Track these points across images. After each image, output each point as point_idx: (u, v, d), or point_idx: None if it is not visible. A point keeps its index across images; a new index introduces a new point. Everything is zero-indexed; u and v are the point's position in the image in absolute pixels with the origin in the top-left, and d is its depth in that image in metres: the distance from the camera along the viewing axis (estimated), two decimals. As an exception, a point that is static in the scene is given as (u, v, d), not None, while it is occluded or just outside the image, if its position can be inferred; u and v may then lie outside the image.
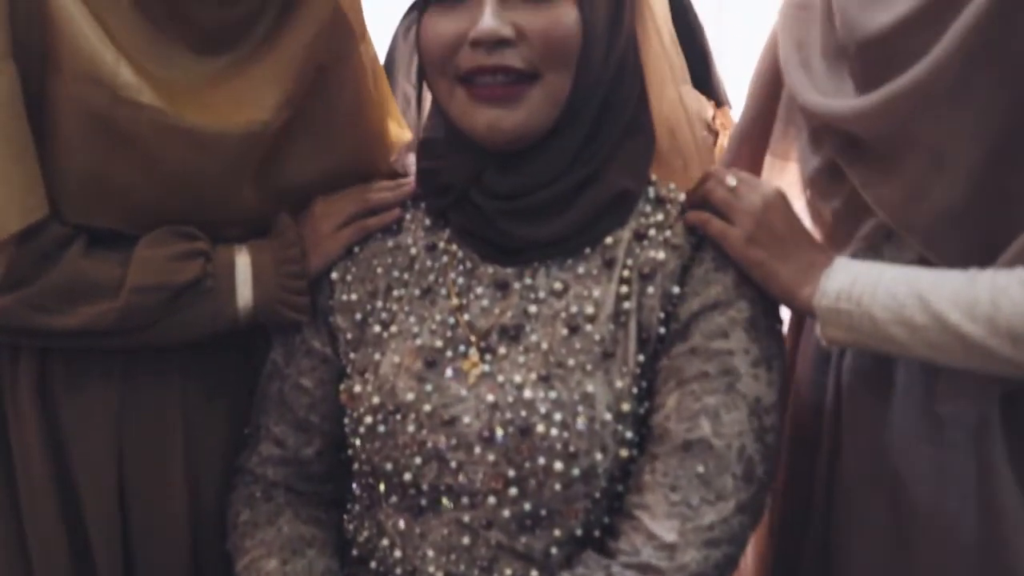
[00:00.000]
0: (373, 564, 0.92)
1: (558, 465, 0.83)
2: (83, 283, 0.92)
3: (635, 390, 0.86)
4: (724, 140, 1.49)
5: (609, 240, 0.89)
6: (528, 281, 0.89)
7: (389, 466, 0.88)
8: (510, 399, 0.84)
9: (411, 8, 1.21)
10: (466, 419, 0.85)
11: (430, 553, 0.87)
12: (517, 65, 0.85)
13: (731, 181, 0.90)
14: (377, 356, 0.91)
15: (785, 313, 0.93)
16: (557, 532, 0.85)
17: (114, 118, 0.88)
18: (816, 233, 0.94)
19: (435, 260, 0.94)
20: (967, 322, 0.77)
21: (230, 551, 0.99)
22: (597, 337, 0.86)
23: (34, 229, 0.87)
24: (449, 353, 0.89)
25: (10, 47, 0.85)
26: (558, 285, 0.88)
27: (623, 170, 0.90)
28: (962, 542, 0.84)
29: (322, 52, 0.95)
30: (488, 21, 0.83)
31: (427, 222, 0.96)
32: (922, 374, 0.86)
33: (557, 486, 0.84)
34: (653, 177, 0.94)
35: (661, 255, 0.88)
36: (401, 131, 1.06)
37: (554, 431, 0.83)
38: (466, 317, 0.89)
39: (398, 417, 0.87)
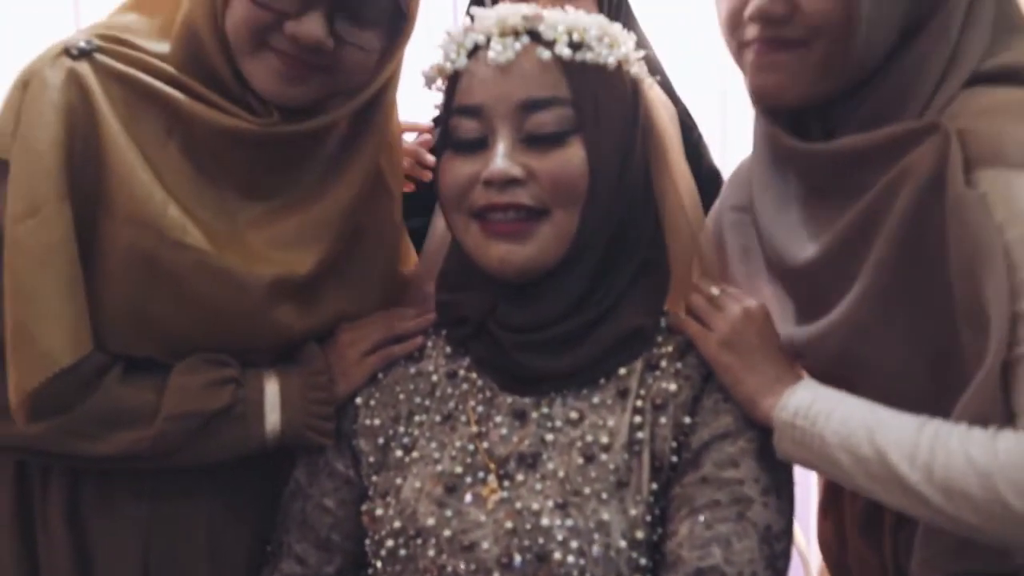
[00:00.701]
0: None
1: None
2: (120, 410, 0.97)
3: (648, 518, 0.90)
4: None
5: (623, 371, 0.94)
6: (545, 410, 0.94)
7: None
8: (528, 526, 0.88)
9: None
10: (485, 545, 0.89)
11: None
12: (527, 202, 0.92)
13: (713, 291, 0.97)
14: (399, 480, 0.95)
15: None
16: None
17: (159, 257, 0.95)
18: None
19: (456, 387, 0.99)
20: (906, 466, 0.81)
21: None
22: (612, 466, 0.90)
23: (78, 360, 0.93)
24: (469, 479, 0.93)
25: (67, 189, 0.92)
26: (574, 414, 0.93)
27: (637, 309, 0.96)
28: None
29: (361, 212, 1.03)
30: (499, 163, 0.91)
31: (448, 350, 1.01)
32: None
33: None
34: (665, 307, 0.99)
35: (673, 386, 0.93)
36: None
37: (571, 558, 0.87)
38: (485, 444, 0.94)
39: (419, 541, 0.91)
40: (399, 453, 0.98)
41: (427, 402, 1.00)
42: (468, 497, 0.91)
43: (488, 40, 0.96)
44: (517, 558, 0.87)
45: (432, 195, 1.07)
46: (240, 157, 1.00)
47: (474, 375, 0.98)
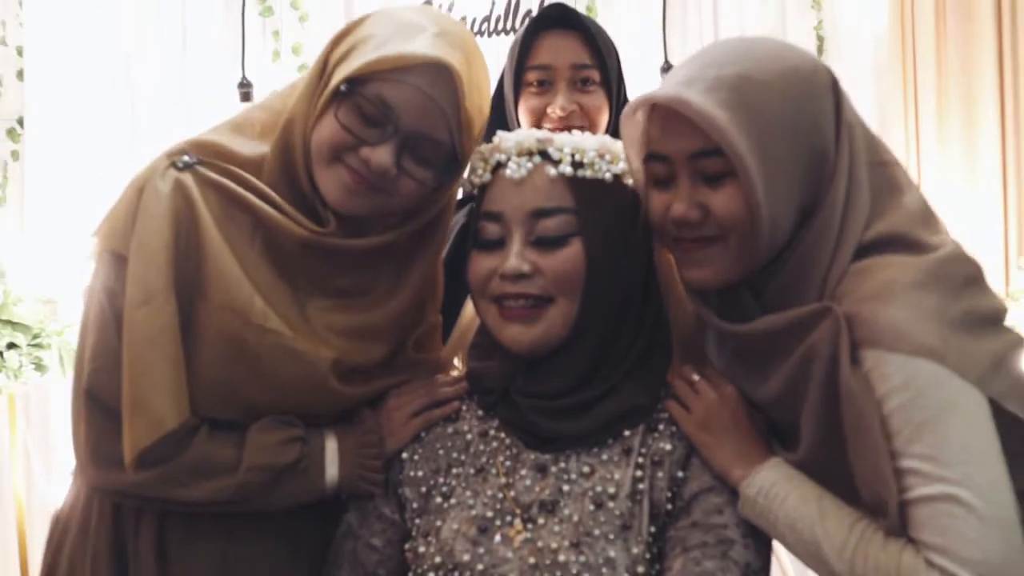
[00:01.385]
0: None
1: None
2: (207, 463, 1.11)
3: (648, 555, 1.05)
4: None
5: (627, 433, 1.10)
6: (562, 465, 1.10)
7: None
8: (547, 561, 1.03)
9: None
10: None
11: None
12: (534, 292, 1.10)
13: (694, 377, 1.12)
14: (438, 523, 1.10)
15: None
16: None
17: (245, 338, 1.10)
18: None
19: (487, 444, 1.14)
20: (835, 557, 0.99)
21: None
22: (617, 512, 1.06)
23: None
24: (498, 522, 1.08)
25: (173, 282, 1.08)
26: (586, 468, 1.09)
27: (639, 387, 1.12)
28: None
29: (413, 314, 1.21)
30: (512, 261, 1.10)
31: (479, 412, 1.17)
32: None
33: None
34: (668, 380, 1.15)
35: (668, 446, 1.09)
36: None
37: None
38: (512, 493, 1.09)
39: (455, 573, 1.06)
40: (439, 500, 1.12)
41: (462, 457, 1.14)
42: (498, 537, 1.06)
43: (508, 159, 1.14)
44: None
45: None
46: (308, 258, 1.16)
47: (502, 434, 1.13)
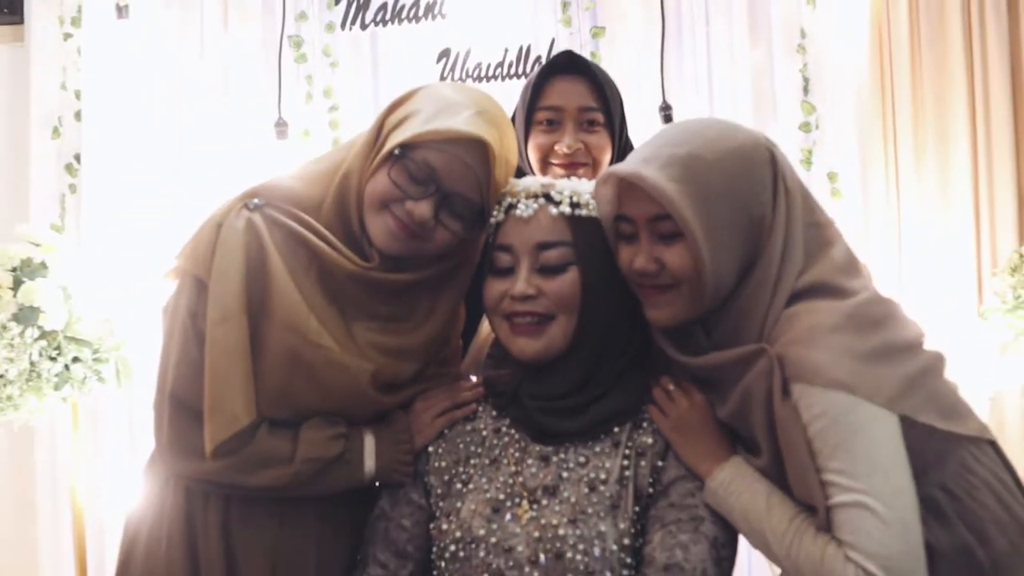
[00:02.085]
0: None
1: None
2: (268, 455, 1.27)
3: (632, 530, 1.21)
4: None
5: (616, 429, 1.27)
6: (562, 456, 1.27)
7: None
8: (549, 535, 1.20)
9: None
10: (519, 548, 1.20)
11: None
12: (539, 310, 1.26)
13: (670, 387, 1.27)
14: (459, 504, 1.28)
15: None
16: None
17: (300, 352, 1.25)
18: None
19: (499, 439, 1.32)
20: (777, 544, 1.16)
21: None
22: (608, 494, 1.22)
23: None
24: (509, 503, 1.25)
25: (246, 305, 1.23)
26: (582, 459, 1.26)
27: (626, 393, 1.28)
28: None
29: (441, 338, 1.37)
30: (520, 285, 1.26)
31: (493, 413, 1.35)
32: None
33: None
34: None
35: (650, 440, 1.26)
36: None
37: (579, 556, 1.18)
38: (520, 479, 1.27)
39: (472, 546, 1.23)
40: (459, 485, 1.30)
41: (479, 450, 1.32)
42: (508, 516, 1.24)
43: (518, 201, 1.30)
44: (542, 557, 1.19)
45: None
46: (354, 288, 1.31)
47: (512, 431, 1.31)
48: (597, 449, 1.28)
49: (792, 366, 1.16)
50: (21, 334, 2.05)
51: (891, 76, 2.64)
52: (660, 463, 1.26)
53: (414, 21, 2.77)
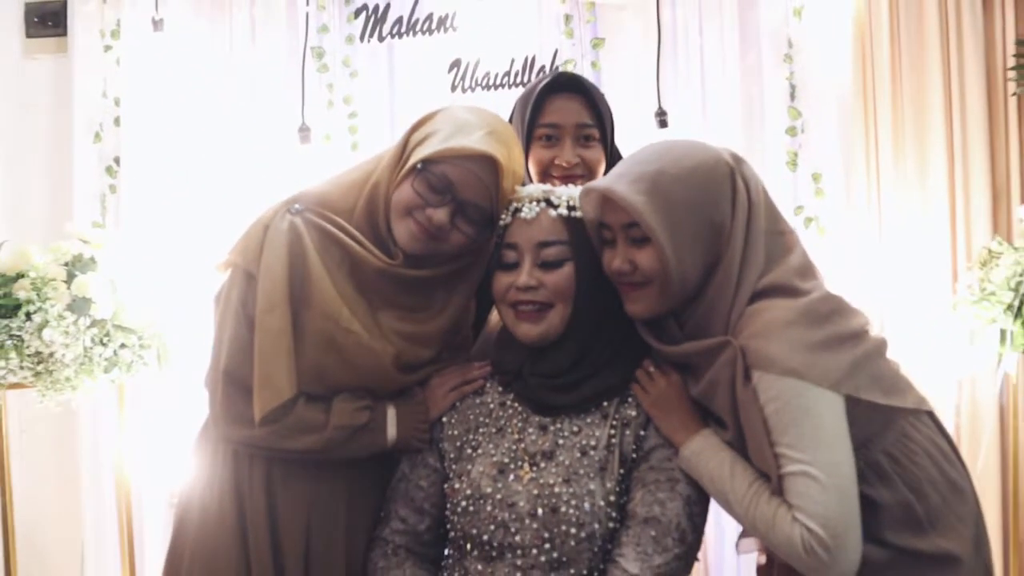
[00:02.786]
0: (460, 596, 1.38)
1: (573, 531, 1.31)
2: (304, 423, 1.39)
3: (618, 489, 1.34)
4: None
5: (605, 403, 1.39)
6: (558, 426, 1.39)
7: (474, 531, 1.35)
8: (547, 492, 1.33)
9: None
10: (521, 503, 1.33)
11: None
12: (539, 299, 1.38)
13: (651, 369, 1.39)
14: (469, 467, 1.40)
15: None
16: (572, 571, 1.31)
17: (333, 337, 1.38)
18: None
19: (504, 411, 1.44)
20: (738, 505, 1.29)
21: None
22: (597, 458, 1.35)
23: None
24: (512, 466, 1.37)
25: (288, 295, 1.36)
26: (575, 428, 1.38)
27: (613, 372, 1.40)
28: None
29: (456, 325, 1.50)
30: (523, 278, 1.39)
31: (499, 388, 1.46)
32: None
33: (573, 543, 1.31)
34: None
35: (634, 413, 1.38)
36: None
37: (572, 511, 1.31)
38: (522, 445, 1.39)
39: (481, 502, 1.36)
40: (469, 451, 1.42)
41: (487, 420, 1.43)
42: (512, 476, 1.36)
43: (522, 205, 1.42)
44: (540, 511, 1.32)
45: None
46: (381, 282, 1.43)
47: (516, 404, 1.42)
48: (588, 420, 1.40)
49: (752, 356, 1.27)
50: (75, 322, 2.19)
51: (872, 83, 2.70)
52: (642, 433, 1.38)
53: (428, 34, 2.84)
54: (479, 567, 1.37)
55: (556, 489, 1.34)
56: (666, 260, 1.31)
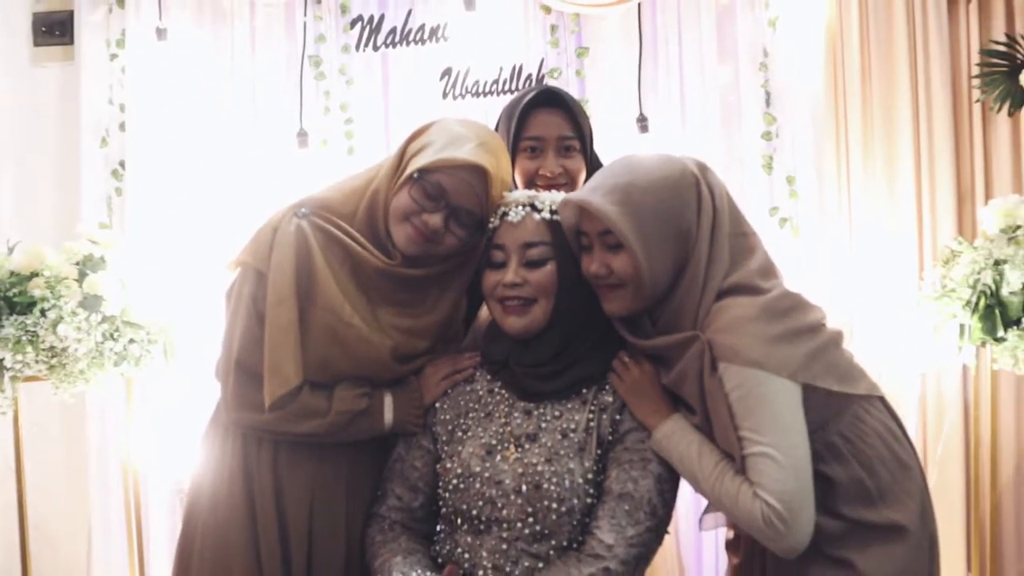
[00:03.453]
0: (451, 566, 1.47)
1: (555, 506, 1.39)
2: (309, 408, 1.48)
3: (595, 468, 1.42)
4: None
5: (584, 390, 1.48)
6: (541, 411, 1.47)
7: (464, 507, 1.44)
8: (530, 471, 1.41)
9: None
10: (507, 481, 1.42)
11: (484, 555, 1.42)
12: (524, 295, 1.46)
13: (625, 359, 1.46)
14: (459, 448, 1.48)
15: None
16: (553, 543, 1.40)
17: (335, 330, 1.46)
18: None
19: (492, 398, 1.52)
20: (705, 483, 1.37)
21: (368, 560, 1.51)
22: (576, 440, 1.43)
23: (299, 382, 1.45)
24: (499, 447, 1.45)
25: (295, 291, 1.44)
26: (556, 413, 1.47)
27: (592, 362, 1.48)
28: None
29: (449, 320, 1.58)
30: (510, 276, 1.47)
31: (488, 376, 1.55)
32: None
33: (554, 517, 1.39)
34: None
35: (611, 399, 1.47)
36: None
37: (553, 488, 1.40)
38: (508, 428, 1.47)
39: (470, 480, 1.44)
40: (459, 434, 1.50)
41: (476, 406, 1.52)
42: (498, 457, 1.44)
43: (509, 209, 1.50)
44: (524, 488, 1.40)
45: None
46: (380, 280, 1.51)
47: (503, 391, 1.51)
48: (569, 405, 1.48)
49: (718, 348, 1.35)
50: (87, 318, 2.28)
51: (843, 91, 2.76)
52: (618, 417, 1.47)
53: (420, 43, 2.90)
54: (468, 540, 1.45)
55: (539, 468, 1.42)
56: (639, 264, 1.38)
